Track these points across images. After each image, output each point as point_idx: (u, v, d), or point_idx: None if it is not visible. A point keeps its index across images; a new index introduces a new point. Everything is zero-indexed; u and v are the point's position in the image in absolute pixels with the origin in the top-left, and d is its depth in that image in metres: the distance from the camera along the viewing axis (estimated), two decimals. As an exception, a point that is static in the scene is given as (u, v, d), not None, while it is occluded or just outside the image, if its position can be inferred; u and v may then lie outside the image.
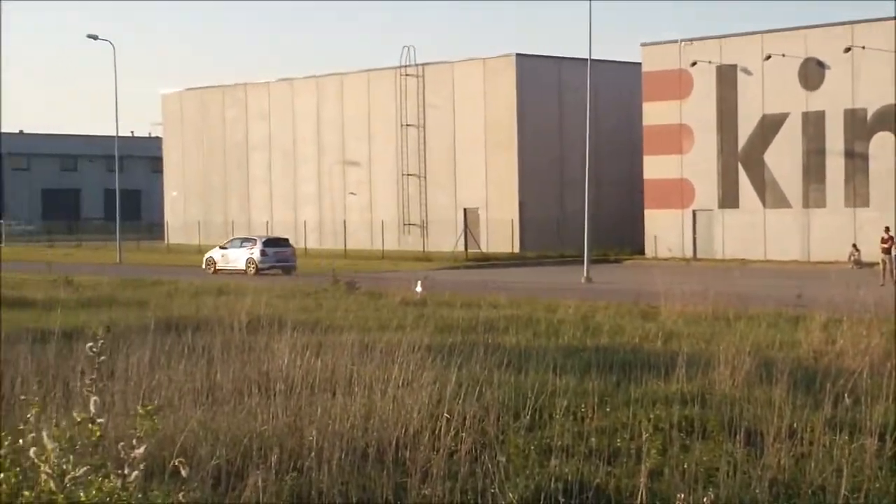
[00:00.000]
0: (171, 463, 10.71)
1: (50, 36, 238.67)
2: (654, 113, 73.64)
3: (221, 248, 66.38)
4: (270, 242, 64.48)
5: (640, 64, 76.22)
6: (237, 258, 63.20)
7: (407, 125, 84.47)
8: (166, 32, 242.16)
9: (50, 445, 5.64)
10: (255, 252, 62.10)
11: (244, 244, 64.69)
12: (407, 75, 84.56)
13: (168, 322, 23.39)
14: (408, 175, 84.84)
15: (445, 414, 12.83)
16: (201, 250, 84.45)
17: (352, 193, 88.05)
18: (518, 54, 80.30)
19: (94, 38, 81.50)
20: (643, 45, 75.34)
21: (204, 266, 64.07)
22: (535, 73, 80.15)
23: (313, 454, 11.64)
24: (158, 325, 21.06)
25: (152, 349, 16.86)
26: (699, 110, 71.59)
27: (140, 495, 6.19)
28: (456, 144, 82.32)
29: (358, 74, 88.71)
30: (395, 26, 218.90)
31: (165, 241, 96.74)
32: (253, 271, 60.41)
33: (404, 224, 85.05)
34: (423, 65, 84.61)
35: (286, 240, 67.88)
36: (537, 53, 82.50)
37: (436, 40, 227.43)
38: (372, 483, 11.38)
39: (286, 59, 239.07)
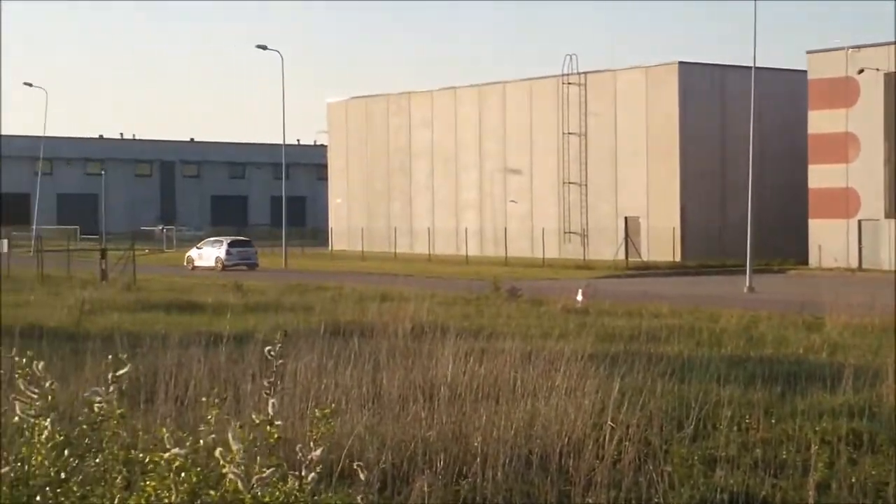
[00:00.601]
0: (338, 466, 11.02)
1: (220, 46, 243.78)
2: (820, 121, 72.38)
3: (197, 248, 74.35)
4: (234, 243, 73.72)
5: (802, 71, 75.06)
6: (209, 256, 71.33)
7: (569, 133, 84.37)
8: (333, 42, 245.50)
9: (235, 447, 5.85)
10: (222, 251, 70.65)
11: (214, 245, 73.06)
12: (569, 84, 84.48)
13: (334, 327, 23.74)
14: (569, 183, 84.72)
15: (609, 422, 12.85)
16: (364, 257, 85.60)
17: (512, 201, 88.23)
18: (681, 62, 79.67)
19: (264, 48, 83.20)
20: (809, 52, 74.15)
21: (185, 263, 71.09)
22: (697, 80, 79.45)
23: (478, 460, 11.77)
24: (324, 329, 21.42)
25: (319, 354, 17.17)
26: (866, 119, 70.15)
27: (315, 497, 6.37)
28: (617, 152, 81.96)
29: (520, 83, 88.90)
30: (557, 35, 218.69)
31: (329, 248, 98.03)
32: (220, 267, 67.29)
33: (565, 232, 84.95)
34: (585, 73, 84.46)
35: (249, 241, 76.46)
36: (700, 61, 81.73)
37: (598, 48, 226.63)
38: (536, 490, 11.46)
39: (449, 67, 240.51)
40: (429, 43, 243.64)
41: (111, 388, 6.85)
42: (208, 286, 46.25)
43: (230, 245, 72.73)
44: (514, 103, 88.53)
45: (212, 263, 69.94)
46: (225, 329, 21.01)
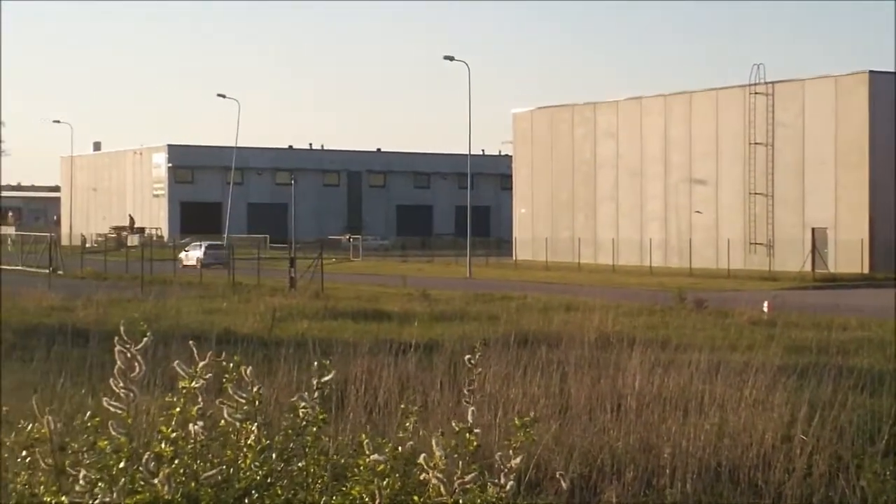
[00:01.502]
0: (526, 475, 11.15)
1: (408, 58, 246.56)
2: None
3: (185, 250, 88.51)
4: (210, 247, 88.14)
5: None
6: (192, 257, 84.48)
7: (755, 143, 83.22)
8: (519, 52, 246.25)
9: (439, 452, 6.01)
10: (200, 253, 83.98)
11: (196, 248, 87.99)
12: (756, 93, 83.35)
13: (520, 336, 23.88)
14: (755, 194, 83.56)
15: (799, 435, 12.74)
16: (548, 267, 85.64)
17: (698, 212, 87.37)
18: (871, 71, 77.95)
19: (451, 59, 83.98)
20: None
21: (178, 262, 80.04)
22: (887, 90, 77.57)
23: (667, 472, 11.79)
24: (509, 339, 21.57)
25: (507, 363, 17.33)
26: None
27: (514, 504, 6.50)
28: (805, 163, 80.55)
29: (707, 93, 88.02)
30: (744, 44, 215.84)
31: (513, 257, 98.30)
32: (199, 266, 77.02)
33: (750, 243, 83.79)
34: (772, 83, 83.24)
35: (221, 244, 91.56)
36: (891, 70, 79.79)
37: (786, 57, 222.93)
38: (725, 503, 11.44)
39: (635, 78, 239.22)
40: (615, 53, 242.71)
41: (315, 394, 7.10)
42: (394, 295, 46.82)
43: (206, 248, 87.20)
44: (700, 113, 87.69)
45: (193, 262, 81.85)
46: (412, 337, 21.33)
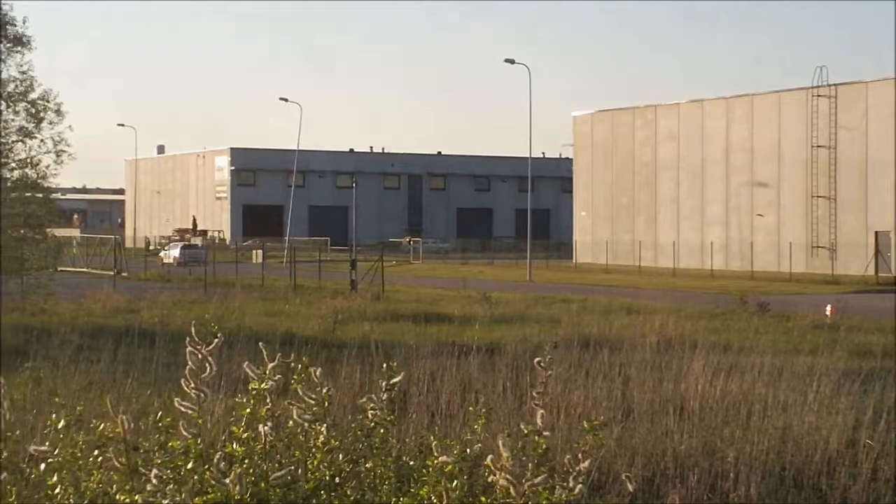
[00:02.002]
0: (589, 478, 11.17)
1: (468, 61, 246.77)
2: None
3: (165, 250, 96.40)
4: (186, 246, 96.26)
5: None
6: (171, 255, 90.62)
7: (817, 146, 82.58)
8: (580, 55, 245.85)
9: (506, 454, 6.06)
10: (178, 251, 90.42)
11: (174, 247, 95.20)
12: (819, 96, 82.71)
13: (581, 339, 23.88)
14: (817, 197, 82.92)
15: (865, 440, 12.68)
16: (608, 270, 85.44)
17: (759, 215, 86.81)
18: (936, 72, 77.10)
19: (511, 62, 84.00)
20: None
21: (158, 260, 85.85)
22: (954, 91, 76.80)
23: (731, 476, 11.77)
24: (571, 342, 21.58)
25: (569, 366, 17.34)
26: None
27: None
28: (868, 166, 79.85)
29: (769, 95, 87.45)
30: (807, 46, 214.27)
31: (573, 260, 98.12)
32: (176, 263, 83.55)
33: (812, 246, 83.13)
34: (835, 85, 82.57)
35: (198, 245, 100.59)
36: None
37: (849, 60, 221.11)
38: (789, 507, 11.41)
39: (695, 80, 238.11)
40: (676, 55, 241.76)
41: (383, 396, 7.18)
42: (455, 297, 46.91)
43: (183, 247, 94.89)
44: (762, 116, 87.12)
45: (171, 260, 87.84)
46: (473, 340, 21.38)
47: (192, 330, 6.94)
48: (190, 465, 6.53)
